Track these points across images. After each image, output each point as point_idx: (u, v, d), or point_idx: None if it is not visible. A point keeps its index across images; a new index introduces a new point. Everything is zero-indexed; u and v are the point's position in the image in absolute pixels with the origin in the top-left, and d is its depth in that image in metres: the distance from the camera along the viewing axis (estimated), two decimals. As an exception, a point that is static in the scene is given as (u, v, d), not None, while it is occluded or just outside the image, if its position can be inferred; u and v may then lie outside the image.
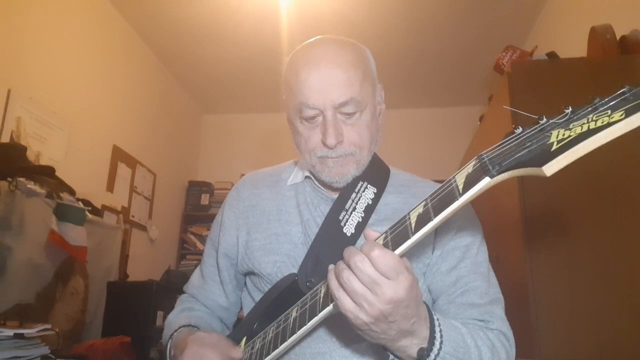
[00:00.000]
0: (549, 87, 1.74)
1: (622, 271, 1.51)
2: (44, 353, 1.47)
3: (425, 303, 0.67)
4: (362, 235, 0.85)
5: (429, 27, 3.52)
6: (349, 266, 0.60)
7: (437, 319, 0.68)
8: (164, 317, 1.03)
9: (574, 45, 2.40)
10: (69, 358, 1.88)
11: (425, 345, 0.65)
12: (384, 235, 0.65)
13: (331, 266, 0.64)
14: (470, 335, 0.72)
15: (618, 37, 1.87)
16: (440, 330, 0.67)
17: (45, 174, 2.30)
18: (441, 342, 0.66)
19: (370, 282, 0.58)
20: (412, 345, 0.65)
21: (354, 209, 0.87)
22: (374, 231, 0.67)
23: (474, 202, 0.95)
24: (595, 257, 1.54)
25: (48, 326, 1.49)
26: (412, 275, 0.60)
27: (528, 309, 1.52)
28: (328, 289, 0.65)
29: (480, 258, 0.87)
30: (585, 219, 1.58)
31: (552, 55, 1.90)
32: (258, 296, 0.91)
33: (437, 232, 0.86)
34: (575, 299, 1.51)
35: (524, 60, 2.12)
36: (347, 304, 0.61)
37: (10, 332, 1.37)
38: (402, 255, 0.61)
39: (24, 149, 2.35)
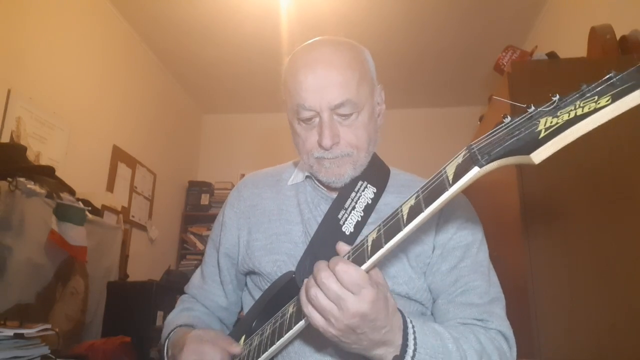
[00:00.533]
0: (549, 87, 1.72)
1: (622, 270, 1.51)
2: (44, 353, 1.47)
3: (400, 311, 0.68)
4: (360, 233, 0.86)
5: (429, 27, 3.52)
6: (316, 282, 0.62)
7: (413, 327, 0.68)
8: (164, 317, 1.03)
9: (574, 45, 2.40)
10: (69, 358, 1.88)
11: (398, 353, 0.66)
12: (377, 229, 0.65)
13: (305, 280, 0.66)
14: (454, 340, 0.72)
15: (618, 37, 1.87)
16: (415, 338, 0.67)
17: (45, 174, 2.30)
18: (415, 350, 0.67)
19: (336, 297, 0.61)
20: (387, 353, 0.66)
21: (354, 208, 0.88)
22: (345, 245, 0.69)
23: (473, 200, 0.96)
24: (595, 257, 1.54)
25: (48, 326, 1.49)
26: (376, 289, 0.62)
27: (528, 308, 1.52)
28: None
29: (480, 257, 0.87)
30: (586, 218, 1.58)
31: (552, 55, 1.90)
32: (259, 295, 0.91)
33: (438, 231, 0.87)
34: (575, 299, 1.51)
35: (524, 60, 2.12)
36: (316, 319, 0.63)
37: (10, 332, 1.37)
38: (394, 247, 0.62)
39: (24, 149, 2.34)
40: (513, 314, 0.89)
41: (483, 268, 0.86)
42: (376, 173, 0.93)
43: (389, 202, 0.91)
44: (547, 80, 1.76)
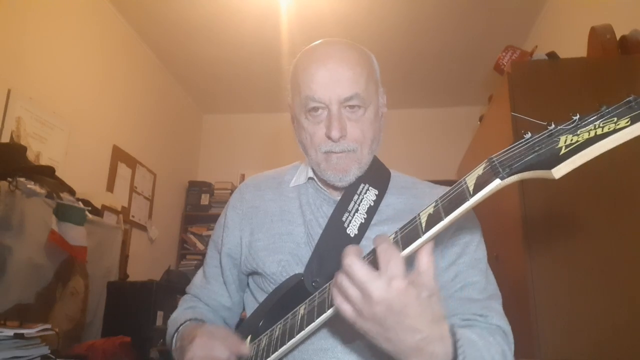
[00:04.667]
0: (549, 87, 1.73)
1: (622, 271, 1.51)
2: (44, 353, 1.47)
3: (452, 329, 0.64)
4: (364, 235, 0.87)
5: (429, 27, 3.52)
6: (344, 269, 0.61)
7: (461, 345, 0.65)
8: (164, 317, 1.04)
9: (574, 45, 2.39)
10: (69, 358, 1.88)
11: None
12: (393, 235, 0.65)
13: (337, 272, 0.64)
14: (487, 349, 0.71)
15: (618, 37, 1.87)
16: (464, 358, 0.64)
17: (45, 174, 2.30)
18: None
19: (360, 282, 0.58)
20: None
21: (357, 210, 0.89)
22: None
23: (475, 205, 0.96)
24: (595, 257, 1.54)
25: (48, 326, 1.49)
26: (407, 282, 0.58)
27: (528, 308, 1.52)
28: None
29: (479, 255, 0.88)
30: (585, 220, 1.58)
31: (552, 55, 1.90)
32: (261, 297, 0.92)
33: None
34: (575, 299, 1.51)
35: (524, 60, 2.12)
36: (344, 309, 0.62)
37: (10, 332, 1.37)
38: (411, 254, 0.61)
39: (24, 149, 2.35)
40: (513, 314, 0.89)
41: (481, 265, 0.87)
42: (377, 175, 0.94)
43: (391, 204, 0.92)
44: (547, 80, 1.76)
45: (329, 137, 0.84)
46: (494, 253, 0.94)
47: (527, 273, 1.55)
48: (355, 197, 0.90)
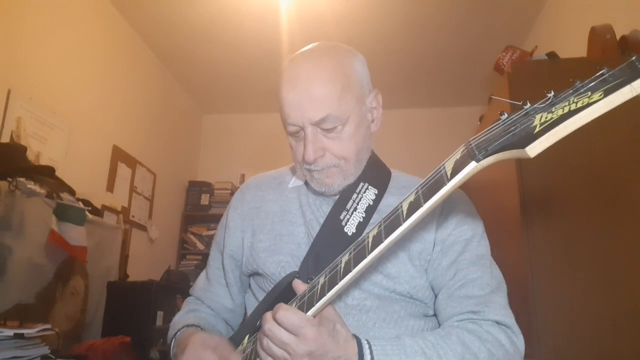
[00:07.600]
0: (549, 87, 1.72)
1: (623, 269, 1.51)
2: (44, 353, 1.47)
3: (356, 337, 0.71)
4: (362, 234, 0.86)
5: (430, 27, 3.52)
6: (264, 333, 0.68)
7: (371, 351, 0.70)
8: (164, 317, 1.05)
9: (574, 45, 2.40)
10: (69, 358, 1.88)
11: None
12: (378, 225, 0.66)
13: (257, 334, 0.72)
14: (424, 353, 0.72)
15: (618, 37, 1.87)
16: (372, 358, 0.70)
17: (45, 174, 2.30)
18: None
19: (282, 343, 0.66)
20: None
21: (355, 209, 0.89)
22: (301, 283, 0.75)
23: (474, 199, 0.96)
24: (595, 255, 1.54)
25: (48, 326, 1.49)
26: (317, 327, 0.66)
27: (528, 308, 1.52)
28: (325, 280, 0.69)
29: (481, 251, 0.88)
30: (585, 217, 1.58)
31: (552, 55, 1.90)
32: (262, 297, 0.92)
33: (438, 227, 0.88)
34: (575, 298, 1.51)
35: (524, 60, 2.12)
36: None
37: (10, 332, 1.37)
38: (398, 239, 0.63)
39: (24, 149, 2.35)
40: (513, 313, 0.89)
41: (484, 260, 0.87)
42: (377, 175, 0.94)
43: (391, 204, 0.91)
44: (547, 80, 1.76)
45: (304, 160, 0.85)
46: (494, 252, 0.94)
47: (527, 272, 1.55)
48: (354, 195, 0.90)
